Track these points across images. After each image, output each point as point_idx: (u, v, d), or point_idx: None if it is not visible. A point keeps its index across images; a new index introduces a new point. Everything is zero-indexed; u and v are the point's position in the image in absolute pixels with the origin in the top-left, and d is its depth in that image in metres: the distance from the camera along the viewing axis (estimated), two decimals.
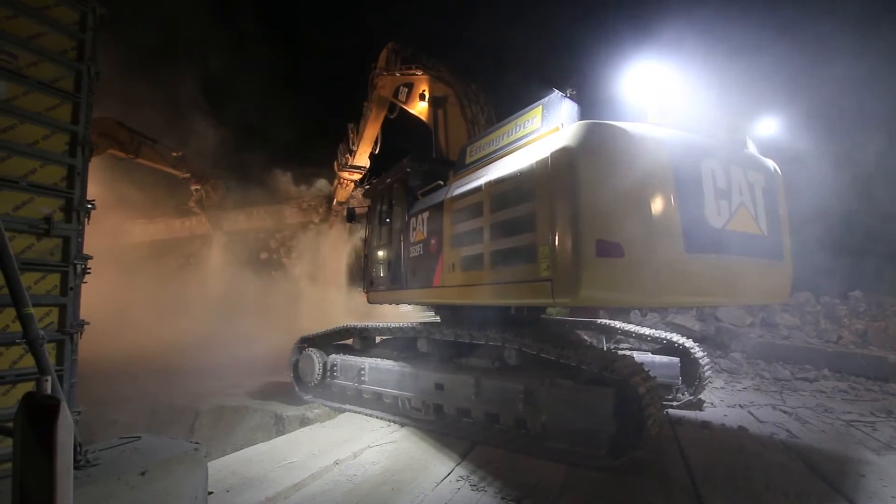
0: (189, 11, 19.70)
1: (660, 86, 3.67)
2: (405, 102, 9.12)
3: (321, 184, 16.95)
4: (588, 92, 3.79)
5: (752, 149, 4.21)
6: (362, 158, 11.60)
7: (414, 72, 8.94)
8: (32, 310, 2.13)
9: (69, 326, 2.85)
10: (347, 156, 11.66)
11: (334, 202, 13.39)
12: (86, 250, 3.00)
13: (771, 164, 4.25)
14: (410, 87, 9.04)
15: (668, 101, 3.78)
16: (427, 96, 8.80)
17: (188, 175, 15.02)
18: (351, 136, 11.41)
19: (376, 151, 11.41)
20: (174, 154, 14.20)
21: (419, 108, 8.94)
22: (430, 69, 8.82)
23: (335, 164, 12.30)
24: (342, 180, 12.48)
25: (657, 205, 3.36)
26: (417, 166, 5.85)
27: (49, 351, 2.58)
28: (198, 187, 15.47)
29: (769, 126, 4.30)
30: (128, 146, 13.02)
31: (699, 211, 3.53)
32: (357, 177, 12.26)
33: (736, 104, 4.10)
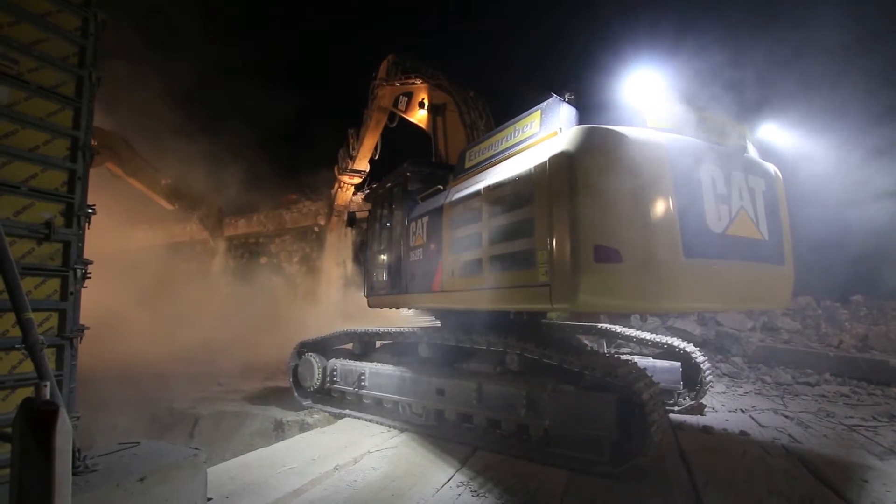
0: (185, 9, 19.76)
1: (659, 90, 3.67)
2: (405, 111, 9.21)
3: (322, 188, 16.96)
4: (587, 96, 3.78)
5: (752, 153, 4.21)
6: (362, 163, 11.67)
7: (413, 81, 9.03)
8: (32, 314, 2.14)
9: (69, 331, 2.85)
10: (347, 160, 11.72)
11: (335, 205, 13.42)
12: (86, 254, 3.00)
13: (772, 168, 4.25)
14: (410, 96, 9.13)
15: (667, 105, 3.78)
16: (426, 104, 8.86)
17: (181, 210, 15.24)
18: (351, 141, 11.46)
19: (376, 157, 11.47)
20: (164, 182, 14.38)
21: (419, 117, 9.00)
22: (429, 78, 8.90)
23: (335, 168, 12.36)
24: (342, 184, 12.52)
25: (656, 210, 3.34)
26: (417, 170, 5.86)
27: (48, 356, 2.58)
28: (196, 212, 15.69)
29: (769, 129, 4.29)
30: (127, 165, 13.21)
31: (699, 216, 3.51)
32: (357, 180, 12.31)
33: (737, 108, 4.10)
